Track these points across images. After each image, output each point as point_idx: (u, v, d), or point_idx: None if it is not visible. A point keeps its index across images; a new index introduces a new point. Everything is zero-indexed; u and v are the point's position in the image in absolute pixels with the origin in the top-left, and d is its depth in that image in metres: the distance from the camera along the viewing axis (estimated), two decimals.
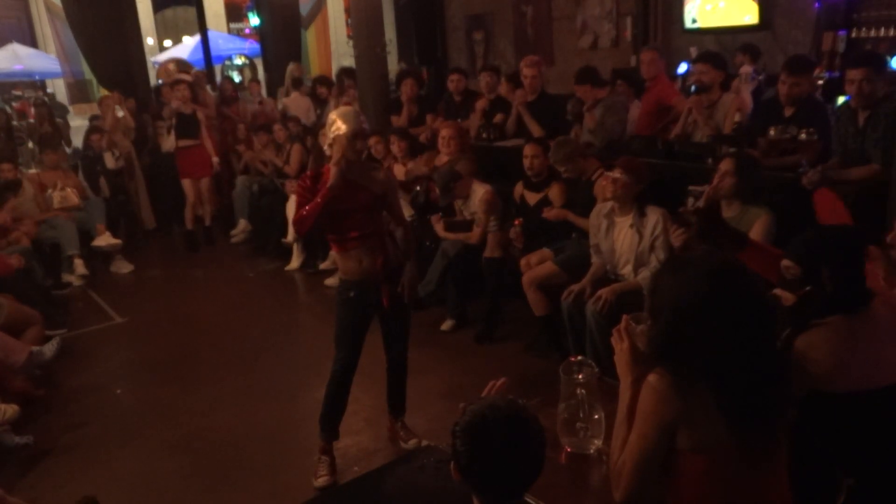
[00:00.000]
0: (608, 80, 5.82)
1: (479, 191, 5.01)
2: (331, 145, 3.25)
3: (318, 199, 3.18)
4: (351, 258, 3.35)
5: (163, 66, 9.42)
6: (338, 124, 3.19)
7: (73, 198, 6.91)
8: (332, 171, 3.21)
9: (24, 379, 4.39)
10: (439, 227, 5.21)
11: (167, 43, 19.00)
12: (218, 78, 13.08)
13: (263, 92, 9.25)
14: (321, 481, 3.38)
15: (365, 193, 3.31)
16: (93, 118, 8.77)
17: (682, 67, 7.16)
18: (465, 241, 5.01)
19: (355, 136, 3.18)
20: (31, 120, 10.67)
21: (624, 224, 4.01)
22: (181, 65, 9.15)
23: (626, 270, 4.05)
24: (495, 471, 1.60)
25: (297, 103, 8.33)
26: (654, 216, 3.94)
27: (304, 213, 3.23)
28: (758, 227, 3.56)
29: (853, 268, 2.12)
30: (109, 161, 7.59)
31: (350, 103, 7.56)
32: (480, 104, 6.08)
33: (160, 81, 8.87)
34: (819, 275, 2.10)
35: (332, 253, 3.49)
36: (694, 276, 1.71)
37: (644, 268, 3.96)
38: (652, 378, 1.72)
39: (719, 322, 1.66)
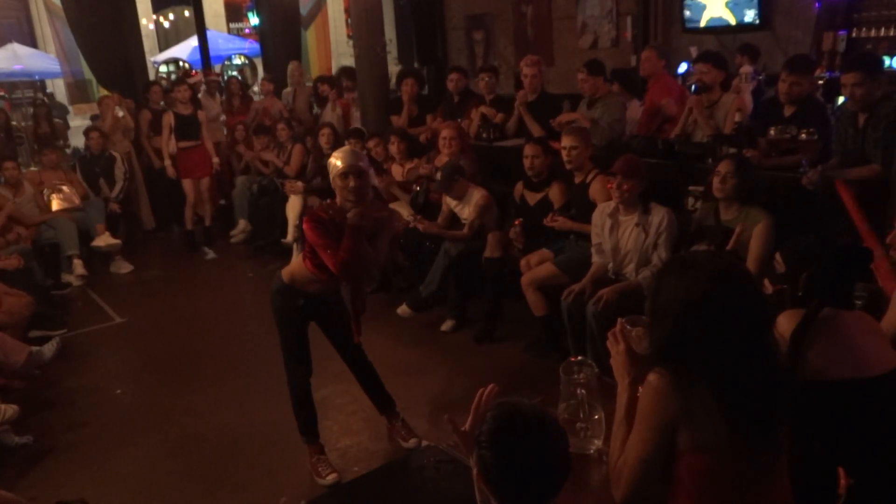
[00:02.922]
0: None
1: (476, 195, 5.02)
2: (335, 186, 3.22)
3: (348, 242, 3.08)
4: (322, 284, 3.28)
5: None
6: (333, 163, 3.17)
7: (72, 198, 6.90)
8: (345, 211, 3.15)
9: None
10: (425, 225, 5.23)
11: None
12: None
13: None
14: (330, 478, 3.38)
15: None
16: (94, 118, 8.77)
17: (682, 67, 7.16)
18: (452, 238, 5.07)
19: (346, 173, 3.11)
20: None
21: (629, 223, 4.01)
22: (184, 70, 9.15)
23: (630, 269, 4.04)
24: (526, 480, 1.56)
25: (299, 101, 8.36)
26: (658, 215, 3.94)
27: (345, 256, 3.07)
28: (757, 233, 3.57)
29: (836, 284, 2.21)
30: (119, 168, 7.56)
31: (348, 104, 7.58)
32: (481, 110, 6.06)
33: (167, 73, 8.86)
34: (797, 279, 2.27)
35: (299, 266, 3.32)
36: (699, 276, 1.70)
37: (645, 267, 3.96)
38: (652, 378, 1.72)
39: (723, 323, 1.65)
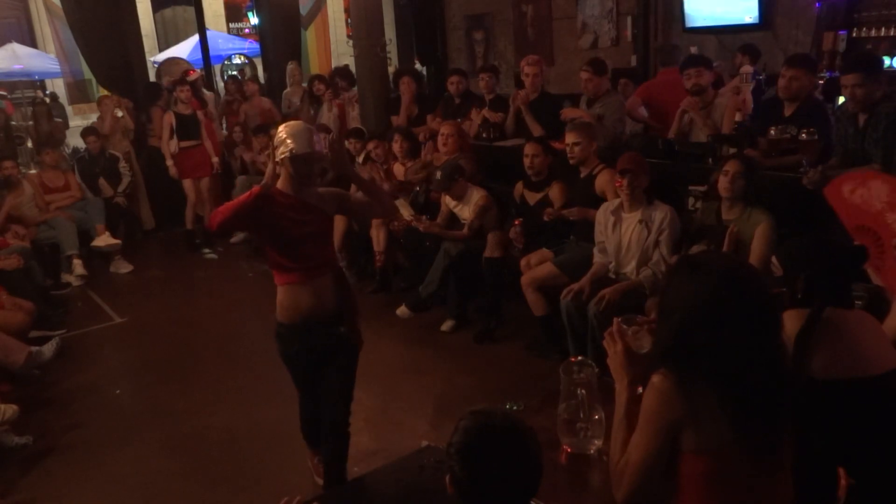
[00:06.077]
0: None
1: (475, 195, 5.02)
2: (278, 163, 2.86)
3: (246, 197, 2.80)
4: (304, 293, 2.94)
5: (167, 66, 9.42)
6: (287, 143, 2.82)
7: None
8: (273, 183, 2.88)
9: None
10: (425, 226, 5.24)
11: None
12: (218, 77, 13.09)
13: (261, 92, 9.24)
14: None
15: (319, 216, 2.97)
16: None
17: None
18: (452, 238, 5.06)
19: (307, 159, 2.83)
20: None
21: (632, 220, 4.02)
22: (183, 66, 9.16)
23: (630, 268, 4.04)
24: (494, 493, 1.57)
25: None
26: (661, 212, 3.94)
27: (226, 207, 2.87)
28: (759, 234, 3.57)
29: (834, 285, 2.21)
30: (123, 165, 7.59)
31: (343, 105, 7.57)
32: (483, 113, 6.04)
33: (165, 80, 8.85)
34: (795, 281, 2.26)
35: (278, 291, 3.01)
36: (707, 277, 1.69)
37: (646, 266, 3.96)
38: (655, 378, 1.71)
39: (731, 324, 1.65)
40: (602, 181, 4.38)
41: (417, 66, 9.54)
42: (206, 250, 7.50)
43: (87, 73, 15.06)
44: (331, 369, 3.07)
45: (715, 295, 1.66)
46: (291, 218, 2.87)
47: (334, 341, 3.03)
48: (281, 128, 2.91)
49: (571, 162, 4.50)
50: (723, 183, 3.67)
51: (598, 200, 4.32)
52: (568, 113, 5.24)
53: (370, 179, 3.24)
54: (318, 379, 3.11)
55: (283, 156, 2.83)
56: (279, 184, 2.91)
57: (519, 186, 4.90)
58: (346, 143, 6.28)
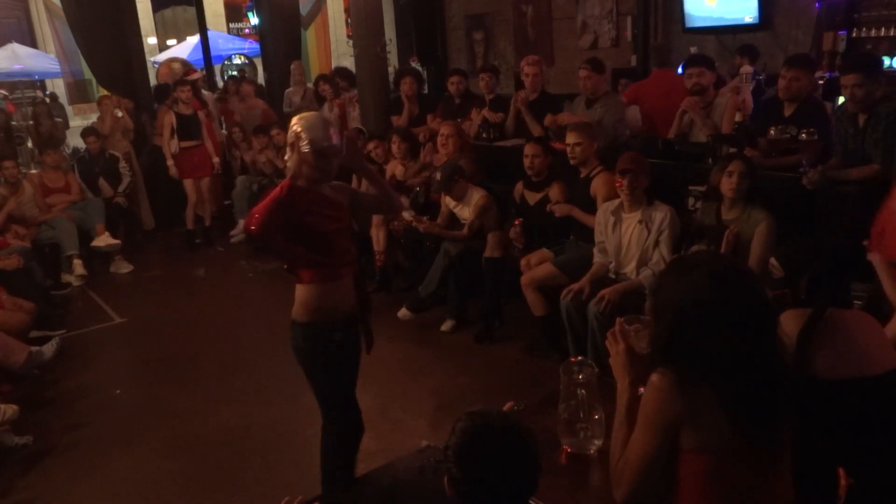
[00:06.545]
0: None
1: (475, 195, 5.02)
2: (302, 156, 2.73)
3: (278, 192, 2.70)
4: (339, 289, 2.84)
5: (166, 65, 9.44)
6: (301, 137, 2.70)
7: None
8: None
9: None
10: (426, 226, 5.24)
11: (170, 42, 18.91)
12: (218, 78, 13.09)
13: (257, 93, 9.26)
14: None
15: (341, 209, 2.89)
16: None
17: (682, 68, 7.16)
18: (452, 238, 5.06)
19: (329, 152, 2.71)
20: None
21: (632, 220, 4.01)
22: (184, 65, 9.16)
23: (630, 268, 4.04)
24: (495, 492, 1.58)
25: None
26: (661, 212, 3.94)
27: (260, 208, 2.72)
28: (759, 234, 3.57)
29: (836, 284, 2.23)
30: (123, 166, 7.61)
31: (343, 105, 7.57)
32: (483, 113, 6.03)
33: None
34: (798, 282, 2.27)
35: (305, 290, 2.85)
36: (698, 276, 1.70)
37: (646, 266, 3.96)
38: (655, 377, 1.71)
39: (722, 323, 1.65)
40: (596, 185, 4.37)
41: (415, 65, 9.55)
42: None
43: (87, 73, 15.05)
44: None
45: (705, 293, 1.67)
46: (318, 212, 2.77)
47: (356, 341, 2.96)
48: (294, 119, 2.79)
49: (573, 162, 4.49)
50: (728, 183, 3.65)
51: (595, 203, 4.32)
52: (563, 118, 5.22)
53: None
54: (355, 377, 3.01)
55: (305, 148, 2.69)
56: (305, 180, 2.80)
57: (519, 186, 4.90)
58: None
